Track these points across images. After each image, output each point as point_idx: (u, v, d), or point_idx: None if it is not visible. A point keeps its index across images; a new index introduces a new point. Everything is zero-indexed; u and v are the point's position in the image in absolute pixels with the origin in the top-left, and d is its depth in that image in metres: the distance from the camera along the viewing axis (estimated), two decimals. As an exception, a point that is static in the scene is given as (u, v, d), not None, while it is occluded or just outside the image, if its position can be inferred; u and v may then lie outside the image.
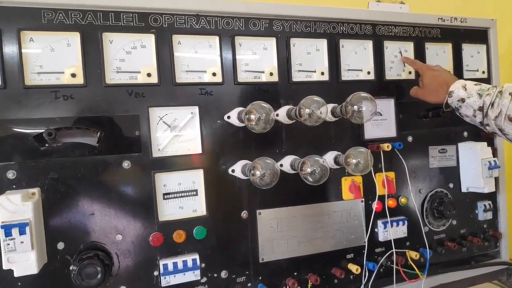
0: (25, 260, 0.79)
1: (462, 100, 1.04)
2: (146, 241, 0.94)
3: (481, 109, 1.02)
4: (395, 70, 1.22)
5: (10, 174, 0.84)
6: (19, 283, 0.85)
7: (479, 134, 1.33)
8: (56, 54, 0.87)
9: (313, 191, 1.11)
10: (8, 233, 0.76)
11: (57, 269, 0.88)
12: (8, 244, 0.77)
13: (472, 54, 1.34)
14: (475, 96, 1.02)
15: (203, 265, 0.98)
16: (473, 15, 1.65)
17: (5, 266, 0.78)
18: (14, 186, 0.84)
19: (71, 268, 0.87)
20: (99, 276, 0.85)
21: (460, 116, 1.10)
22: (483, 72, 1.35)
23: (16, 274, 0.79)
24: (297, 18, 1.08)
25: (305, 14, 1.09)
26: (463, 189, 1.32)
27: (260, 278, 1.05)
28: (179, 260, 0.95)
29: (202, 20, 0.99)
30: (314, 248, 1.11)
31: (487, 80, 1.36)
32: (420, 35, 1.25)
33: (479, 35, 1.35)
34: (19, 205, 0.79)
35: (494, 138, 1.36)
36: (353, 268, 1.12)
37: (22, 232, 0.77)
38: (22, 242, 0.77)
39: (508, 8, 1.96)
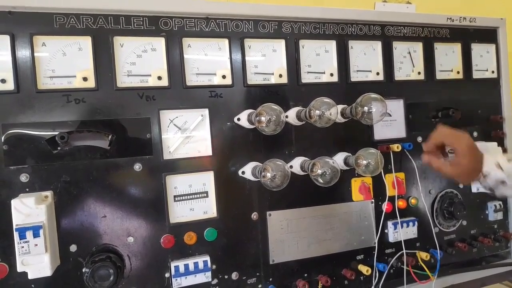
0: (39, 263, 0.80)
1: (503, 183, 0.92)
2: (157, 243, 0.94)
3: None
4: (404, 71, 1.21)
5: (23, 178, 0.85)
6: (33, 285, 0.86)
7: (489, 134, 1.33)
8: (68, 58, 0.88)
9: (323, 193, 1.11)
10: (22, 236, 0.77)
11: (70, 271, 0.88)
12: (23, 247, 0.78)
13: (482, 53, 1.33)
14: None
15: (214, 266, 0.98)
16: (480, 14, 1.64)
17: (19, 269, 0.79)
18: (27, 189, 0.85)
19: (83, 270, 0.87)
20: (111, 278, 0.86)
21: (494, 194, 0.98)
22: (493, 72, 1.34)
23: (30, 277, 0.80)
24: (306, 20, 1.08)
25: (314, 16, 1.09)
26: (473, 190, 1.31)
27: (270, 279, 1.05)
28: (190, 262, 0.95)
29: (212, 23, 0.99)
30: (324, 249, 1.11)
31: (497, 80, 1.35)
32: (429, 35, 1.24)
33: (488, 35, 1.34)
34: (33, 208, 0.80)
35: (504, 138, 1.35)
36: (364, 269, 1.12)
37: (36, 235, 0.78)
38: (36, 244, 0.78)
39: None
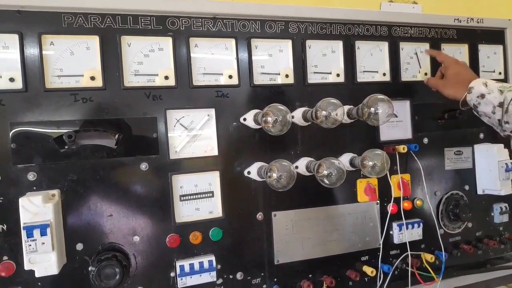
0: (46, 261, 0.81)
1: (482, 96, 1.02)
2: (163, 242, 0.95)
3: (501, 104, 0.99)
4: (410, 72, 1.21)
5: (31, 176, 0.86)
6: (39, 283, 0.86)
7: (495, 135, 1.32)
8: (76, 57, 0.89)
9: (328, 193, 1.12)
10: (29, 234, 0.78)
11: (76, 269, 0.89)
12: (30, 245, 0.78)
13: (489, 55, 1.32)
14: (495, 92, 1.00)
15: (219, 266, 0.99)
16: (486, 14, 1.63)
17: (26, 267, 0.80)
18: (34, 188, 0.86)
19: (90, 269, 0.88)
20: (117, 277, 0.87)
21: (478, 114, 1.08)
22: (500, 73, 1.34)
23: (37, 275, 0.81)
24: (313, 20, 1.09)
25: (321, 16, 1.09)
26: (479, 192, 1.31)
27: (275, 279, 1.06)
28: (195, 261, 0.96)
29: (219, 22, 1.00)
30: (329, 250, 1.12)
31: (504, 81, 1.34)
32: (436, 36, 1.24)
33: (496, 36, 1.34)
34: (40, 207, 0.80)
35: (511, 140, 1.34)
36: (368, 270, 1.12)
37: (43, 233, 0.79)
38: (43, 243, 0.79)
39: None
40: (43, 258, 0.80)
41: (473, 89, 1.04)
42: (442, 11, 1.83)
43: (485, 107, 1.03)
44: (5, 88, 0.84)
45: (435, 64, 1.24)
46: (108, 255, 0.88)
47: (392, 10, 1.68)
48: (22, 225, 0.78)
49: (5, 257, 0.84)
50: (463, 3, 1.86)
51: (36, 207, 0.80)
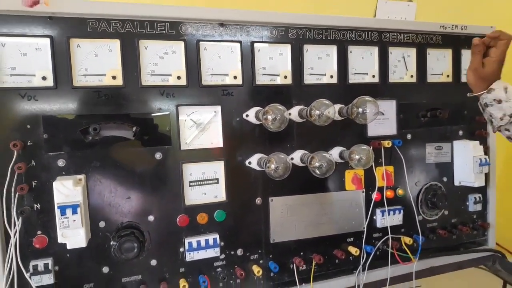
0: (76, 236, 0.93)
1: (499, 101, 1.07)
2: (174, 221, 1.08)
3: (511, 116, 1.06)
4: (398, 74, 1.32)
5: (61, 163, 0.98)
6: (68, 255, 1.00)
7: (473, 133, 1.45)
8: (99, 58, 0.99)
9: (319, 182, 1.24)
10: (63, 213, 0.91)
11: (99, 243, 1.02)
12: (63, 222, 0.91)
13: (471, 58, 1.43)
14: None
15: (222, 243, 1.12)
16: (477, 14, 1.72)
17: (60, 240, 0.93)
18: (63, 173, 0.98)
19: (111, 243, 1.01)
20: (135, 250, 1.00)
21: (482, 110, 1.14)
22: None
23: (68, 247, 0.94)
24: (310, 26, 1.19)
25: (318, 23, 1.19)
26: (456, 183, 1.43)
27: (271, 256, 1.19)
28: (202, 238, 1.09)
29: (226, 28, 1.10)
30: (319, 232, 1.25)
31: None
32: (422, 42, 1.35)
33: (478, 41, 1.44)
34: (71, 189, 0.93)
35: (487, 137, 1.47)
36: (353, 250, 1.26)
37: (74, 212, 0.92)
38: (74, 220, 0.92)
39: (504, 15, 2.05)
40: (73, 233, 0.93)
41: (493, 90, 1.08)
42: (435, 9, 1.94)
43: (496, 111, 1.09)
44: (38, 86, 0.95)
45: (421, 68, 1.35)
46: (127, 232, 1.02)
47: (388, 8, 1.78)
48: (56, 205, 0.91)
49: (39, 232, 0.97)
50: (455, 2, 1.97)
51: (68, 190, 0.92)
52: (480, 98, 1.13)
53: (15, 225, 0.92)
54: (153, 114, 1.05)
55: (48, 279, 0.97)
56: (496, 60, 1.10)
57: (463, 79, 1.42)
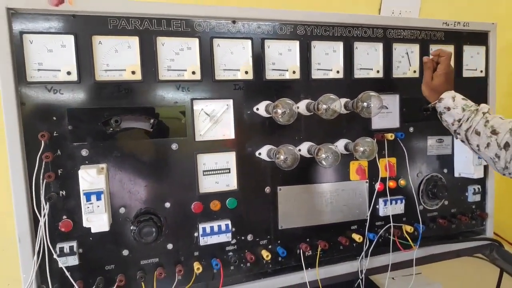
0: (100, 220, 1.00)
1: (448, 109, 1.21)
2: (188, 208, 1.14)
3: (459, 120, 1.19)
4: (401, 69, 1.37)
5: (84, 152, 1.04)
6: (91, 238, 1.07)
7: (473, 126, 1.50)
8: (119, 54, 1.05)
9: (325, 172, 1.30)
10: (88, 199, 0.98)
11: (120, 228, 1.09)
12: (88, 207, 0.98)
13: (472, 55, 1.47)
14: (459, 108, 1.19)
15: (233, 229, 1.19)
16: (481, 7, 1.74)
17: (85, 224, 1.00)
18: (86, 162, 1.05)
19: (131, 228, 1.08)
20: (154, 234, 1.07)
21: (440, 119, 1.27)
22: (481, 71, 1.50)
23: (93, 231, 1.01)
24: (318, 23, 1.24)
25: (325, 20, 1.24)
26: (456, 174, 1.49)
27: (279, 242, 1.26)
28: (215, 224, 1.15)
29: (238, 25, 1.16)
30: (324, 219, 1.31)
31: (485, 78, 1.51)
32: (425, 38, 1.39)
33: (480, 38, 1.48)
34: (95, 177, 0.99)
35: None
36: (356, 237, 1.32)
37: (98, 198, 0.99)
38: (98, 206, 0.99)
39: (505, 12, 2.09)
40: (97, 218, 1.00)
41: (443, 100, 1.23)
42: (440, 3, 1.98)
43: (448, 117, 1.23)
44: (63, 80, 1.01)
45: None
46: (146, 217, 1.09)
47: (393, 0, 1.83)
48: (82, 192, 0.97)
49: (64, 216, 1.04)
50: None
51: (92, 178, 0.99)
52: (436, 108, 1.26)
53: (44, 209, 0.99)
54: (169, 107, 1.11)
55: (73, 260, 1.05)
56: (441, 74, 1.26)
57: (465, 74, 1.47)
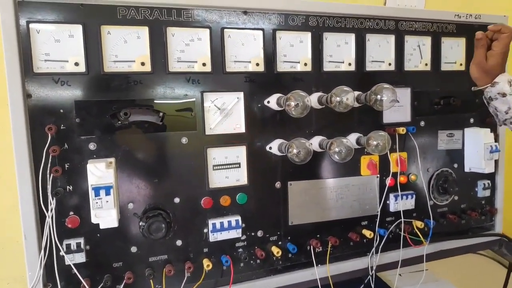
0: (109, 216, 0.97)
1: (503, 95, 1.09)
2: (198, 204, 1.12)
3: None
4: (413, 62, 1.35)
5: (92, 146, 1.01)
6: (98, 235, 1.04)
7: (483, 121, 1.48)
8: (129, 45, 1.02)
9: (336, 167, 1.28)
10: (97, 194, 0.94)
11: (128, 224, 1.07)
12: (97, 203, 0.95)
13: (484, 48, 1.46)
14: None
15: (243, 225, 1.16)
16: (488, 1, 1.72)
17: (93, 220, 0.96)
18: (94, 156, 1.02)
19: (140, 224, 1.06)
20: (163, 231, 1.04)
21: (487, 104, 1.17)
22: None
23: (101, 227, 0.97)
24: (330, 15, 1.21)
25: (337, 11, 1.22)
26: (466, 169, 1.47)
27: (289, 238, 1.24)
28: (224, 220, 1.13)
29: (249, 16, 1.13)
30: (334, 215, 1.29)
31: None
32: (437, 30, 1.37)
33: (491, 30, 1.47)
34: (103, 172, 0.96)
35: (497, 125, 1.51)
36: (367, 233, 1.30)
37: (107, 193, 0.95)
38: (107, 201, 0.95)
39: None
40: (106, 213, 0.96)
41: (497, 84, 1.10)
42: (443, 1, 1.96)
43: (501, 104, 1.11)
44: (71, 71, 0.98)
45: (435, 56, 1.38)
46: (155, 213, 1.06)
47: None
48: (90, 186, 0.94)
49: (71, 212, 1.01)
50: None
51: (101, 172, 0.96)
52: (485, 92, 1.15)
53: (50, 204, 0.96)
54: (179, 100, 1.08)
55: (80, 257, 1.02)
56: (499, 53, 1.11)
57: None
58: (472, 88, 1.19)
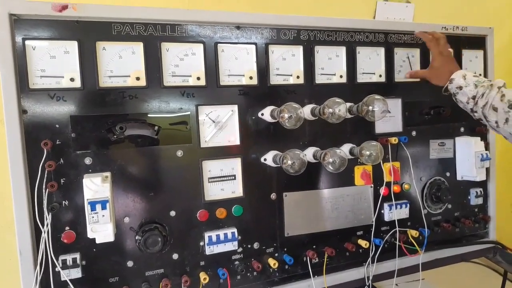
0: (105, 230, 0.97)
1: (460, 88, 1.20)
2: (194, 216, 1.12)
3: (474, 97, 1.17)
4: (403, 73, 1.38)
5: (87, 161, 1.02)
6: (94, 249, 1.03)
7: (474, 129, 1.51)
8: (124, 60, 1.04)
9: (330, 177, 1.29)
10: (93, 208, 0.95)
11: (124, 238, 1.06)
12: (93, 217, 0.95)
13: (471, 58, 1.50)
14: (471, 86, 1.18)
15: (239, 237, 1.16)
16: (473, 15, 1.77)
17: (89, 235, 0.96)
18: (90, 170, 1.02)
19: (136, 238, 1.05)
20: (159, 244, 1.04)
21: (456, 101, 1.25)
22: (480, 75, 1.51)
23: (98, 241, 0.97)
24: (321, 28, 1.24)
25: (328, 25, 1.25)
26: (458, 178, 1.49)
27: (285, 249, 1.24)
28: (221, 232, 1.13)
29: (242, 31, 1.15)
30: (330, 225, 1.30)
31: (483, 82, 1.53)
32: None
33: (478, 42, 1.51)
34: (99, 186, 0.97)
35: (487, 133, 1.54)
36: (362, 243, 1.31)
37: (103, 207, 0.96)
38: (103, 215, 0.96)
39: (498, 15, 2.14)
40: (102, 227, 0.97)
41: (453, 80, 1.22)
42: (433, 10, 2.01)
43: (462, 97, 1.21)
44: (66, 87, 0.99)
45: (424, 67, 1.41)
46: (151, 226, 1.06)
47: (387, 9, 1.85)
48: (86, 201, 0.94)
49: (67, 227, 1.01)
50: (452, 3, 2.05)
51: (96, 186, 0.96)
52: (449, 90, 1.25)
53: (46, 219, 0.95)
54: (174, 114, 1.09)
55: (76, 273, 1.01)
56: (432, 59, 1.29)
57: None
58: (443, 93, 1.28)
